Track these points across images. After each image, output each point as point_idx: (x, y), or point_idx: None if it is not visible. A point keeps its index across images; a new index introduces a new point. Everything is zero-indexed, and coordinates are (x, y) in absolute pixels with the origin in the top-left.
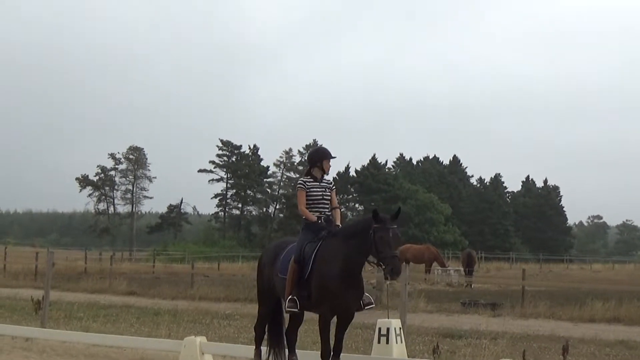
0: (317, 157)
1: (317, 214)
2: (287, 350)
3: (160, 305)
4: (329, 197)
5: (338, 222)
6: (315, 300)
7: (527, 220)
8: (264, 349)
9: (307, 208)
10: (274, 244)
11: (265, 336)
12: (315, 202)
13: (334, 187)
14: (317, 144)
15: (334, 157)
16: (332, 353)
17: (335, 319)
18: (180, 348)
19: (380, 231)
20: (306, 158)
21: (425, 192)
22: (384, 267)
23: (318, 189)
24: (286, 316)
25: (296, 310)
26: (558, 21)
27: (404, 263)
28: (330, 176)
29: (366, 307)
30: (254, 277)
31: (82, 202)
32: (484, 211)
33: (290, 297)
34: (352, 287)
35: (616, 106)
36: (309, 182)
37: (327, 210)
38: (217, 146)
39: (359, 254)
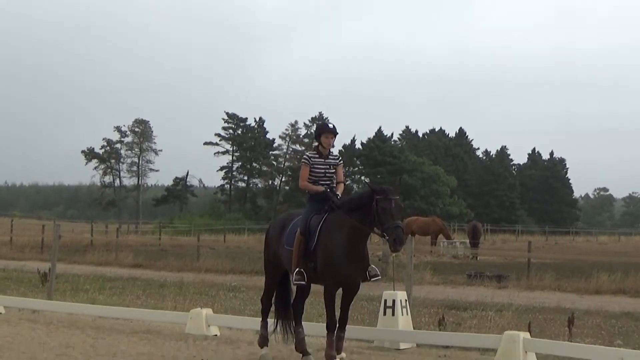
0: (317, 131)
1: None
2: (293, 322)
3: (166, 278)
4: (333, 174)
5: (339, 193)
6: (320, 272)
7: (533, 193)
8: (270, 320)
9: (310, 183)
10: (281, 217)
11: (272, 308)
12: (318, 178)
13: (341, 162)
14: (323, 117)
15: (336, 132)
16: (337, 325)
17: (340, 291)
18: (186, 320)
19: (382, 202)
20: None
21: (431, 165)
22: (387, 237)
23: (321, 166)
24: (293, 288)
25: (303, 282)
26: None
27: (410, 235)
28: (335, 149)
29: (372, 279)
30: (259, 250)
31: (88, 174)
32: (489, 183)
33: (297, 269)
34: (357, 259)
35: (622, 78)
36: (314, 157)
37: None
38: (223, 119)
39: (363, 225)
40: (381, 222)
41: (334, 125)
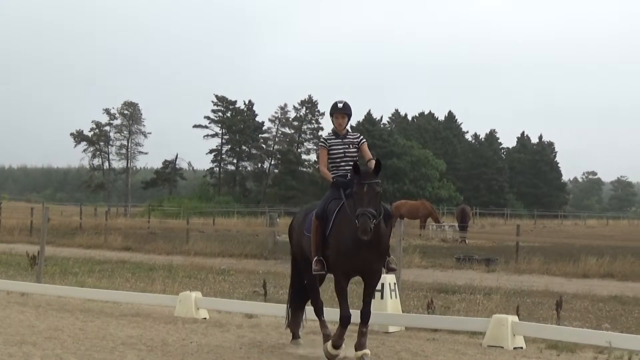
0: (330, 113)
1: (343, 172)
2: (305, 313)
3: (156, 261)
4: (354, 154)
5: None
6: (331, 262)
7: (521, 176)
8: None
9: (331, 167)
10: (305, 207)
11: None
12: (338, 160)
13: (363, 140)
14: (312, 100)
15: (346, 112)
16: (360, 320)
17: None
18: (175, 303)
19: (355, 186)
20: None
21: (420, 148)
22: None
23: (340, 146)
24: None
25: (323, 272)
26: None
27: (399, 219)
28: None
29: (389, 272)
30: (248, 233)
31: (77, 157)
32: (478, 167)
33: (316, 258)
34: (369, 247)
35: (611, 61)
36: (331, 139)
37: None
38: (212, 101)
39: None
40: (350, 209)
41: (344, 104)
